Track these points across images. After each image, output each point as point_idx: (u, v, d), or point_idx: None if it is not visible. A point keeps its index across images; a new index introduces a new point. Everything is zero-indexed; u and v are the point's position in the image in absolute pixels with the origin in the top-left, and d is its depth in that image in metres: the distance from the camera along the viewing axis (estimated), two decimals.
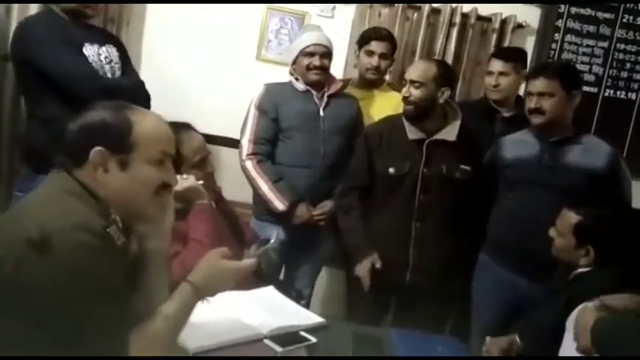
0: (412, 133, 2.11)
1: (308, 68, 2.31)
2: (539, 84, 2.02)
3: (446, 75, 2.12)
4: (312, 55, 2.31)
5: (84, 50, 2.03)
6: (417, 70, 2.11)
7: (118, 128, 1.11)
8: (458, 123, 2.12)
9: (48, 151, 1.90)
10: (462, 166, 2.12)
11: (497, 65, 2.51)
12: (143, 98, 2.12)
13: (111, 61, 2.12)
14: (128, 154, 1.12)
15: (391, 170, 2.13)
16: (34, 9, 2.55)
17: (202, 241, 1.69)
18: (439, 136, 2.11)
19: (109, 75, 2.10)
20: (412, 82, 2.07)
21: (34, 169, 2.01)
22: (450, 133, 2.11)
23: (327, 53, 2.34)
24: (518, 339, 1.69)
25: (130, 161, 1.12)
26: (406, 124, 2.13)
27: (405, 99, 2.10)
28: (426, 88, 2.06)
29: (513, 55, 2.59)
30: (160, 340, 1.13)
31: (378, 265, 2.09)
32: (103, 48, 2.10)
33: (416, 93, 2.07)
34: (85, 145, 1.10)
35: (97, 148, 1.09)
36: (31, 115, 2.16)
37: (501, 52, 2.65)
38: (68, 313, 0.98)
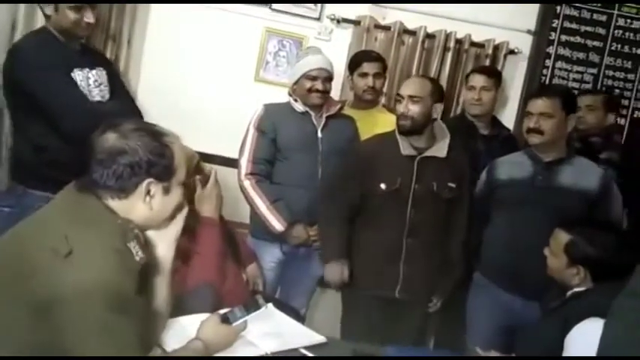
0: (405, 148, 2.13)
1: (310, 91, 2.33)
2: (541, 104, 2.06)
3: (439, 91, 2.19)
4: (314, 78, 2.33)
5: (73, 75, 2.05)
6: (414, 85, 2.15)
7: (164, 158, 1.13)
8: (447, 140, 2.16)
9: (42, 173, 1.97)
10: (449, 184, 2.15)
11: (479, 80, 2.63)
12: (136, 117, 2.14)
13: (100, 84, 2.15)
14: (171, 180, 1.15)
15: (382, 186, 2.14)
16: (39, 21, 2.43)
17: (210, 260, 1.68)
18: (430, 152, 2.14)
19: (99, 98, 2.12)
20: (410, 97, 2.10)
21: (26, 186, 2.06)
22: (440, 149, 2.14)
23: (329, 77, 2.37)
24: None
25: (172, 186, 1.16)
26: (400, 139, 2.15)
27: (403, 115, 2.12)
28: (423, 103, 2.10)
29: (493, 72, 2.75)
30: None
31: (345, 274, 2.16)
32: (93, 71, 2.13)
33: (414, 108, 2.10)
34: (133, 178, 1.11)
35: (149, 180, 1.11)
36: (19, 132, 2.17)
37: (483, 68, 2.78)
38: (89, 325, 0.99)
